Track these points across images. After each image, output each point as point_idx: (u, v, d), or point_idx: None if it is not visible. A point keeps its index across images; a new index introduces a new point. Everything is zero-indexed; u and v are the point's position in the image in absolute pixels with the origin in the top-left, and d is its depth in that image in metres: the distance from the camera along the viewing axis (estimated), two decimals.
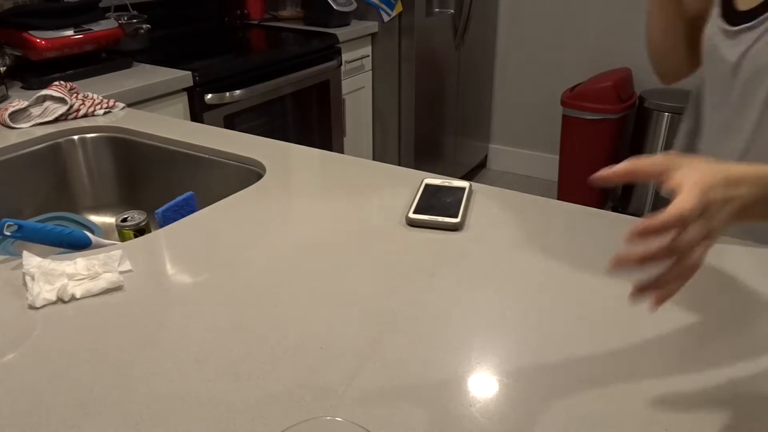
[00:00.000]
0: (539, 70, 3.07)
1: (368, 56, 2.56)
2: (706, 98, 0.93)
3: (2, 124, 1.24)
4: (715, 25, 0.88)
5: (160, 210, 0.97)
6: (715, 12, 0.88)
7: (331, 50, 2.28)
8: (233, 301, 0.69)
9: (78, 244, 0.85)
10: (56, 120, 1.27)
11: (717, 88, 0.89)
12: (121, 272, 0.73)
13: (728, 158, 0.81)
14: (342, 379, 0.57)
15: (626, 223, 0.87)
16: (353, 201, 0.94)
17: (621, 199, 2.89)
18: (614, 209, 2.90)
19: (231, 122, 1.91)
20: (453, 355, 0.60)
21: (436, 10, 2.75)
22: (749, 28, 0.82)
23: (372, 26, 2.51)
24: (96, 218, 1.26)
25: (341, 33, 2.33)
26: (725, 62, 0.86)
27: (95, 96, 1.35)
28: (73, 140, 1.26)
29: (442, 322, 0.65)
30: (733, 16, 0.85)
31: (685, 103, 2.78)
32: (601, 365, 0.59)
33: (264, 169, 1.04)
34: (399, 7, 2.47)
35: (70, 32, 1.68)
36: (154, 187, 1.25)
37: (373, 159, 2.28)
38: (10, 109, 1.24)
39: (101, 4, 1.84)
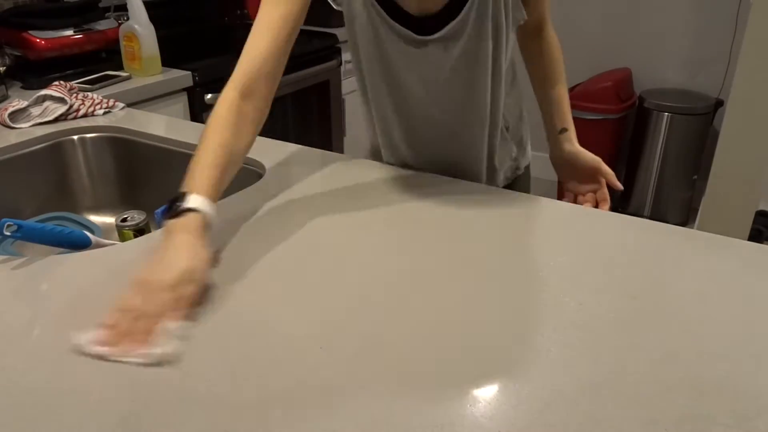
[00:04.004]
0: None
1: None
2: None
3: (2, 124, 1.24)
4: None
5: (160, 210, 0.96)
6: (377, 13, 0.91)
7: (331, 50, 2.28)
8: (232, 301, 0.69)
9: (78, 244, 0.85)
10: (56, 120, 1.27)
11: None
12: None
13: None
14: (342, 379, 0.57)
15: (626, 223, 0.87)
16: (353, 201, 0.94)
17: (621, 199, 2.89)
18: (614, 209, 2.89)
19: None
20: (453, 354, 0.60)
21: None
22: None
23: None
24: (96, 218, 1.25)
25: (341, 33, 2.33)
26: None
27: (95, 96, 1.35)
28: (73, 140, 1.26)
29: (443, 322, 0.65)
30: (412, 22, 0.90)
31: (685, 103, 2.76)
32: (602, 365, 0.59)
33: (264, 169, 1.04)
34: None
35: (70, 32, 1.68)
36: (154, 187, 1.25)
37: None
38: (10, 109, 1.24)
39: (101, 4, 1.84)
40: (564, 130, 1.05)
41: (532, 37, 1.07)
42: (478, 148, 1.02)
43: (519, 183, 1.16)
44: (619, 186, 1.02)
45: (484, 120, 0.99)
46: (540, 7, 1.01)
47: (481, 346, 0.62)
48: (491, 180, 1.08)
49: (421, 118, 1.01)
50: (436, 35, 0.90)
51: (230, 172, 0.80)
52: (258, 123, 0.84)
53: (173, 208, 0.72)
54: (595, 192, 1.08)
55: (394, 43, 0.93)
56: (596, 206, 1.07)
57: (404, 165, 1.07)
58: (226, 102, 0.81)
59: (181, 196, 0.73)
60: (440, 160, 1.05)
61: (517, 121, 1.11)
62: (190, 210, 0.71)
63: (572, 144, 1.07)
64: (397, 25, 0.91)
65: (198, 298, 0.66)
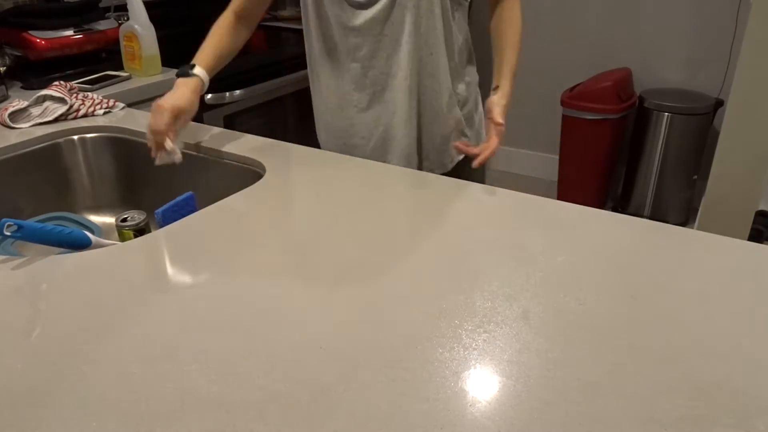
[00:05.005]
0: (539, 70, 3.07)
1: None
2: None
3: (2, 124, 1.24)
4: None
5: (160, 210, 0.96)
6: None
7: None
8: (233, 300, 0.69)
9: (78, 244, 0.85)
10: (56, 120, 1.27)
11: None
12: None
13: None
14: (342, 379, 0.57)
15: (626, 223, 0.87)
16: (353, 201, 0.94)
17: (621, 198, 2.89)
18: (614, 209, 2.89)
19: (231, 122, 1.91)
20: (453, 355, 0.60)
21: None
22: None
23: None
24: (96, 218, 1.25)
25: None
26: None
27: (95, 96, 1.35)
28: (73, 140, 1.26)
29: (443, 322, 0.65)
30: None
31: (685, 102, 2.76)
32: (601, 365, 0.59)
33: (264, 169, 1.04)
34: None
35: (70, 32, 1.68)
36: (154, 187, 1.25)
37: None
38: (10, 109, 1.24)
39: (101, 4, 1.84)
40: (496, 87, 1.14)
41: (493, 5, 1.20)
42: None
43: (467, 166, 1.20)
44: (499, 120, 1.07)
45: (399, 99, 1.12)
46: None
47: (480, 345, 0.62)
48: (424, 152, 1.19)
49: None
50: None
51: (223, 61, 1.17)
52: (245, 37, 1.20)
53: (184, 72, 1.09)
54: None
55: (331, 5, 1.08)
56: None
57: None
58: (226, 20, 1.19)
59: (191, 66, 1.11)
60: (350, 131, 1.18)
61: (473, 107, 1.23)
62: (194, 75, 1.09)
63: (494, 97, 1.13)
64: None
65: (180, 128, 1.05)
